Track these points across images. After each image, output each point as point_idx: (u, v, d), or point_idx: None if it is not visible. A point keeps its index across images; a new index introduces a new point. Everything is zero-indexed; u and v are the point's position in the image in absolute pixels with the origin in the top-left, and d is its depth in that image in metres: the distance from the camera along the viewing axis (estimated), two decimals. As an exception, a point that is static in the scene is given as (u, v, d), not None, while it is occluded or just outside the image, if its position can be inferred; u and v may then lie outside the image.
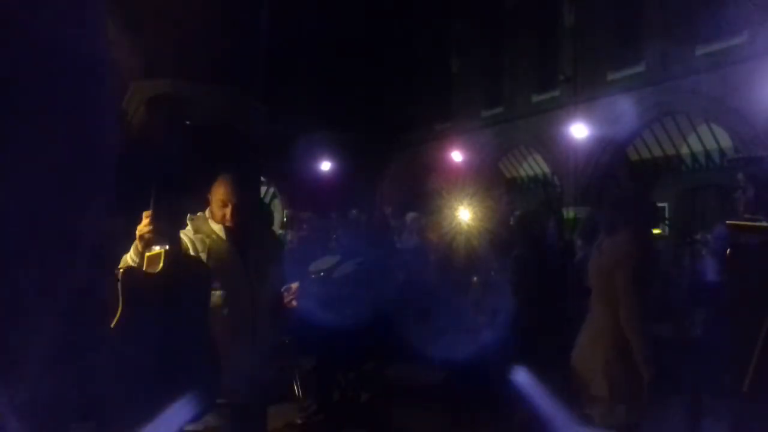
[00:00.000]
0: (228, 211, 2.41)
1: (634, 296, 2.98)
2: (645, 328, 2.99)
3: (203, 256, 2.34)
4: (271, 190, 21.79)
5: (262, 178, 13.32)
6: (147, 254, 2.08)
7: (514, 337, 4.41)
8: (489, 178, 19.21)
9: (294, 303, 2.53)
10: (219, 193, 2.45)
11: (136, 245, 2.09)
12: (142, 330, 2.00)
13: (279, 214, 19.75)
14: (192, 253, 2.34)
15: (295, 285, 2.57)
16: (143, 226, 2.05)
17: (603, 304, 3.17)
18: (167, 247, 2.08)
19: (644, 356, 2.92)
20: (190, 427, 2.30)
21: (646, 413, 3.05)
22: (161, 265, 2.07)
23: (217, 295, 2.33)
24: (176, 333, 2.06)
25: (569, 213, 15.71)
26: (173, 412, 2.01)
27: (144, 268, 2.08)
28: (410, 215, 8.38)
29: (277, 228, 13.57)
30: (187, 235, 2.39)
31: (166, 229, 2.10)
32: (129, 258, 2.13)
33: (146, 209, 2.05)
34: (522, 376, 3.81)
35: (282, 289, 2.56)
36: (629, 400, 3.01)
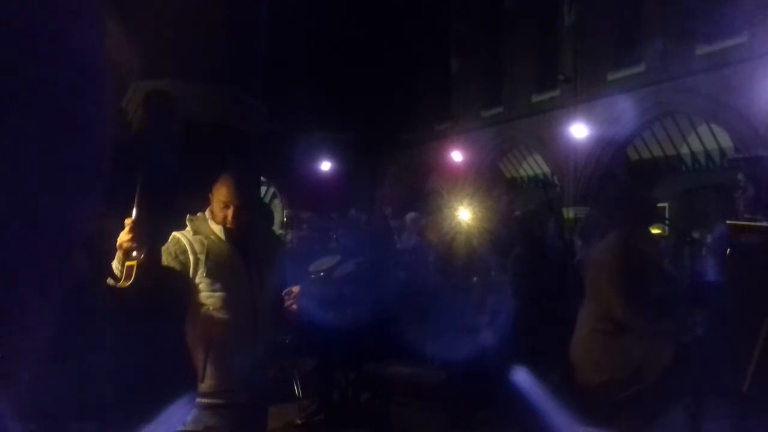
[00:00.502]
0: (230, 212, 2.37)
1: (620, 296, 2.97)
2: (642, 321, 2.97)
3: (202, 257, 2.31)
4: (271, 190, 21.81)
5: (262, 178, 13.31)
6: (126, 264, 2.01)
7: (514, 337, 4.41)
8: (489, 178, 19.22)
9: (294, 307, 2.50)
10: (221, 194, 2.40)
11: (118, 254, 2.04)
12: (113, 342, 1.97)
13: (279, 214, 19.77)
14: (190, 254, 2.31)
15: (295, 288, 2.53)
16: (123, 234, 2.00)
17: (593, 301, 3.19)
18: (142, 257, 2.01)
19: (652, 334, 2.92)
20: (189, 428, 2.30)
21: (648, 399, 3.03)
22: (132, 279, 1.99)
23: (217, 296, 2.32)
24: (146, 347, 2.02)
25: (569, 213, 15.72)
26: (162, 418, 1.99)
27: (122, 279, 2.02)
28: (410, 215, 8.37)
29: (277, 228, 13.59)
30: (185, 236, 2.36)
31: (147, 239, 2.02)
32: (114, 266, 2.09)
33: (142, 211, 2.01)
34: (522, 376, 3.81)
35: (283, 293, 2.54)
36: (628, 384, 3.00)
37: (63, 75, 0.52)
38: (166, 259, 2.29)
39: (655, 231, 8.34)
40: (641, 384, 2.99)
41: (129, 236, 1.99)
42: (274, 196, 22.03)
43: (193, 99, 4.07)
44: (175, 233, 2.37)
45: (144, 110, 2.21)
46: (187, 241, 2.33)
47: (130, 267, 2.02)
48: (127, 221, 2.00)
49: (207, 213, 2.45)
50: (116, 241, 2.00)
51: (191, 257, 2.31)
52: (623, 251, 3.07)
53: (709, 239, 5.85)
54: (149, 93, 2.86)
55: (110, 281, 2.06)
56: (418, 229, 7.64)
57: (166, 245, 2.34)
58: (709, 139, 14.28)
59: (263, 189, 19.06)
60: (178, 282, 2.29)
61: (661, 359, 2.99)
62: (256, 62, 4.99)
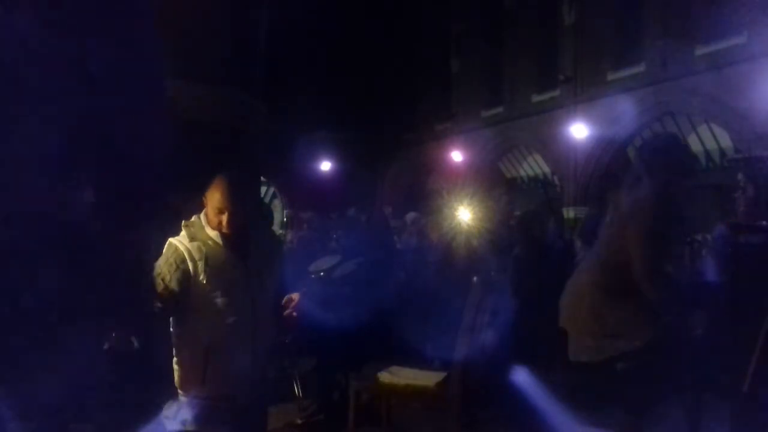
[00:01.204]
0: (224, 218, 2.30)
1: (647, 248, 2.81)
2: (662, 283, 2.84)
3: (201, 264, 2.28)
4: (271, 190, 21.81)
5: (262, 178, 13.28)
6: None
7: (514, 337, 4.41)
8: (489, 178, 19.22)
9: (294, 314, 2.46)
10: (214, 199, 2.32)
11: None
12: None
13: (279, 214, 19.78)
14: (189, 261, 2.28)
15: (295, 296, 2.50)
16: None
17: (605, 252, 3.04)
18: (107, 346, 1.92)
19: (660, 304, 2.81)
20: (189, 428, 2.30)
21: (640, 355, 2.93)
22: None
23: (217, 301, 2.29)
24: (147, 348, 1.98)
25: (569, 213, 15.72)
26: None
27: None
28: (411, 215, 8.38)
29: (277, 228, 13.58)
30: (182, 242, 2.31)
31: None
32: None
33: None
34: (522, 376, 3.81)
35: (283, 301, 2.50)
36: (619, 336, 2.90)
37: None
38: (168, 271, 2.25)
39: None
40: (615, 352, 2.89)
41: None
42: (274, 196, 22.04)
43: (193, 99, 4.07)
44: (171, 240, 2.33)
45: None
46: (185, 248, 2.29)
47: None
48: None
49: (202, 217, 2.38)
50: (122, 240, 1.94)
51: (190, 265, 2.27)
52: (661, 201, 2.89)
53: (709, 239, 5.84)
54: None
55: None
56: (418, 229, 7.65)
57: (165, 256, 2.30)
58: (709, 139, 14.27)
59: (263, 189, 19.07)
60: (181, 289, 2.26)
61: (641, 335, 2.89)
62: (256, 62, 4.99)
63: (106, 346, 1.89)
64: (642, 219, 2.86)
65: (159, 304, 2.18)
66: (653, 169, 2.97)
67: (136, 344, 1.92)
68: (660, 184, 2.94)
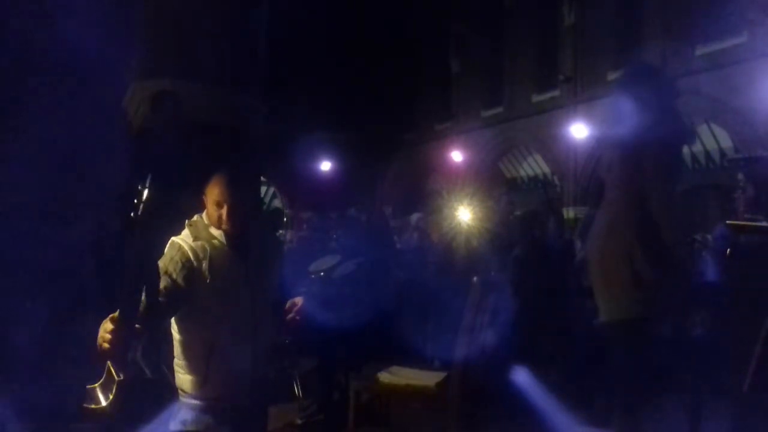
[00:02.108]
0: (224, 212, 2.30)
1: (665, 182, 2.79)
2: (675, 215, 2.83)
3: (205, 263, 2.26)
4: (271, 190, 21.82)
5: (262, 178, 13.28)
6: (105, 376, 1.71)
7: (514, 337, 4.42)
8: (489, 178, 19.24)
9: (297, 318, 2.45)
10: (213, 193, 2.32)
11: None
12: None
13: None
14: (194, 261, 2.26)
15: (298, 300, 2.49)
16: (103, 333, 1.69)
17: (624, 196, 2.96)
18: (121, 376, 1.63)
19: (672, 241, 2.76)
20: (189, 428, 2.30)
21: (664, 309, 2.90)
22: (111, 396, 1.61)
23: (218, 301, 2.28)
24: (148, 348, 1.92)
25: (569, 213, 15.73)
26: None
27: (95, 398, 1.66)
28: (415, 216, 8.39)
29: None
30: (186, 241, 2.29)
31: (129, 345, 1.74)
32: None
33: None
34: (522, 376, 3.81)
35: (286, 305, 2.49)
36: (647, 288, 2.81)
37: (70, 78, 0.52)
38: (175, 269, 2.24)
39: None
40: (643, 312, 2.82)
41: (108, 337, 1.70)
42: (274, 196, 22.05)
43: (193, 99, 4.07)
44: (174, 239, 2.32)
45: (152, 111, 2.17)
46: (189, 247, 2.28)
47: (108, 381, 1.67)
48: (111, 317, 1.70)
49: (204, 217, 2.38)
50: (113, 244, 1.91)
51: (195, 264, 2.26)
52: (667, 133, 2.85)
53: (709, 239, 5.85)
54: (157, 94, 2.83)
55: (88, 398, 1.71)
56: (423, 229, 7.66)
57: (170, 255, 2.28)
58: (709, 139, 14.28)
59: (263, 189, 19.07)
60: (188, 288, 2.25)
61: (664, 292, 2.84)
62: (256, 62, 4.99)
63: (120, 376, 1.68)
64: (659, 148, 2.80)
65: (165, 302, 2.16)
66: (646, 95, 2.90)
67: (148, 374, 1.85)
68: (656, 106, 2.89)
